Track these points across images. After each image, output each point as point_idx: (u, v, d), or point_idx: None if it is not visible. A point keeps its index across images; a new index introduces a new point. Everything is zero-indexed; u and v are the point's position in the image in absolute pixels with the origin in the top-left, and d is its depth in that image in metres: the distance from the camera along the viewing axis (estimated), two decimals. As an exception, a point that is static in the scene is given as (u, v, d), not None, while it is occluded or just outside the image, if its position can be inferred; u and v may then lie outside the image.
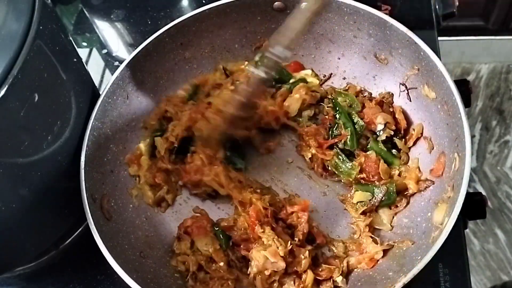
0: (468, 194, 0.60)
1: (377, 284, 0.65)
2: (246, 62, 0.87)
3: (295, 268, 0.68)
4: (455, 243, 0.70)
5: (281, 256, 0.67)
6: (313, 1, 0.69)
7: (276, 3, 0.80)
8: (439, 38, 0.89)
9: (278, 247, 0.67)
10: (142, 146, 0.80)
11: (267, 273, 0.67)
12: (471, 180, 1.44)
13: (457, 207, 0.59)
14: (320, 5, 0.70)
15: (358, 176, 0.75)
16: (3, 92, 0.50)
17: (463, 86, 0.73)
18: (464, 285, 0.69)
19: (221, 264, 0.71)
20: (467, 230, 0.73)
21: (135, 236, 0.72)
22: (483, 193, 0.74)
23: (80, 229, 0.79)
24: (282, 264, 0.67)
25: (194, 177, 0.77)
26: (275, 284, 0.68)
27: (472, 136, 1.78)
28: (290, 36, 0.71)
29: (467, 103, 0.72)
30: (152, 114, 0.82)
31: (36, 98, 0.56)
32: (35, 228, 0.66)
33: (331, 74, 0.86)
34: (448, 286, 0.68)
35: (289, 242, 0.68)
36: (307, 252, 0.69)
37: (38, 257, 0.77)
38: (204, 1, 1.00)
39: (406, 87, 0.77)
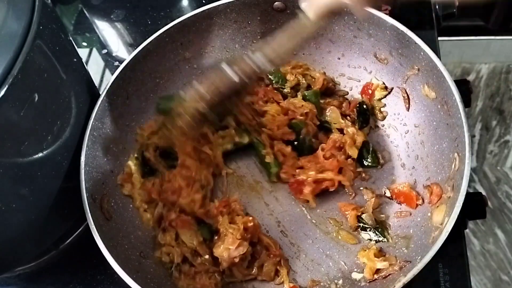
0: (468, 194, 0.60)
1: (377, 284, 0.65)
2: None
3: None
4: (455, 243, 0.70)
5: (239, 239, 0.68)
6: (313, 22, 0.63)
7: (276, 3, 0.80)
8: (439, 38, 0.89)
9: (232, 233, 0.69)
10: (131, 163, 0.78)
11: (237, 260, 0.68)
12: (471, 180, 1.44)
13: (457, 207, 0.59)
14: (318, 28, 0.64)
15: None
16: (3, 92, 0.50)
17: (463, 86, 0.73)
18: (464, 285, 0.69)
19: (206, 256, 0.71)
20: (467, 230, 0.73)
21: (135, 236, 0.72)
22: (483, 193, 0.74)
23: (80, 229, 0.79)
24: (244, 245, 0.68)
25: (171, 197, 0.75)
26: (253, 271, 0.70)
27: (472, 136, 1.78)
28: (278, 51, 0.65)
29: (467, 103, 0.72)
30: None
31: (36, 98, 0.56)
32: (35, 228, 0.66)
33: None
34: (448, 286, 0.68)
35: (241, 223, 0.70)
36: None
37: (38, 257, 0.77)
38: (204, 1, 1.00)
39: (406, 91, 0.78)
